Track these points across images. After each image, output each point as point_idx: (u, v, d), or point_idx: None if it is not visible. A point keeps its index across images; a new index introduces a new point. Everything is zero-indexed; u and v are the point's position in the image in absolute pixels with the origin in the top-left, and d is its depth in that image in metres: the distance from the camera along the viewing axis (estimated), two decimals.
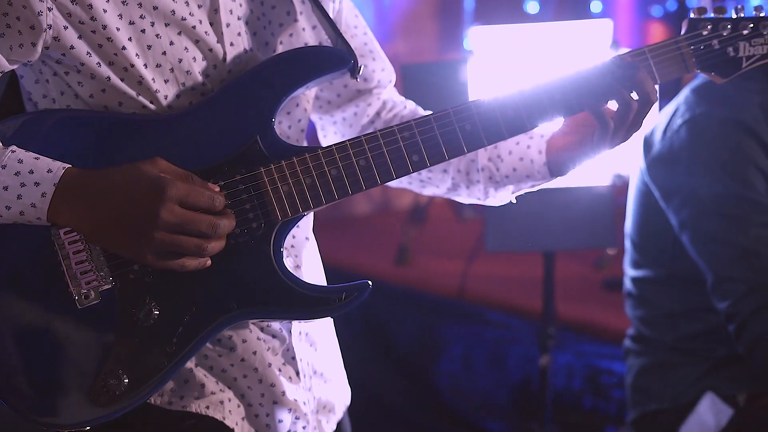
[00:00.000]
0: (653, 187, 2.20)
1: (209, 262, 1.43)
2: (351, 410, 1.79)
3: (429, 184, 1.76)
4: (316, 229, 1.71)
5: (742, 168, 2.05)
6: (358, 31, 1.75)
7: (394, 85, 1.83)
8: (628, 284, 2.40)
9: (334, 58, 1.58)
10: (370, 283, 1.53)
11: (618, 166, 2.79)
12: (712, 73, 1.66)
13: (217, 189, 1.44)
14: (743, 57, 1.67)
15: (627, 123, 1.56)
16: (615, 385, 3.34)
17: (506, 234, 2.79)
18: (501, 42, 2.79)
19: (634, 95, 1.57)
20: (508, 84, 1.62)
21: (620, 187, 2.73)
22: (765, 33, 1.66)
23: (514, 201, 1.77)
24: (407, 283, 4.11)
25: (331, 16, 1.62)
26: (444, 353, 3.86)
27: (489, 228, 2.79)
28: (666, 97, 2.33)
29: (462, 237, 4.32)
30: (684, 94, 2.19)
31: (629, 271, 2.39)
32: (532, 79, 1.61)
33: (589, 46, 2.75)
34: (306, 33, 1.64)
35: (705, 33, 1.65)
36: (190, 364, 1.54)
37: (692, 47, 1.63)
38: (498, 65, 2.74)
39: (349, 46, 1.58)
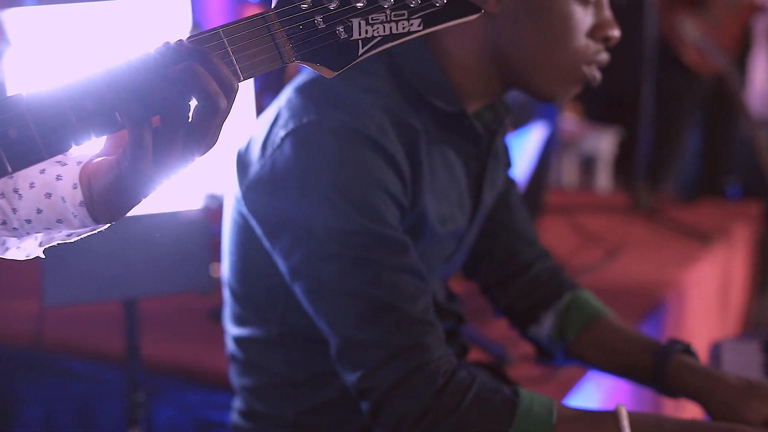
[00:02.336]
0: (254, 222, 1.62)
1: None
2: None
3: None
4: None
5: (368, 194, 1.52)
6: None
7: None
8: (230, 345, 1.81)
9: None
10: None
11: (211, 183, 2.23)
12: (318, 64, 1.15)
13: None
14: (359, 40, 1.18)
15: (178, 137, 1.03)
16: None
17: (69, 282, 2.11)
18: (48, 26, 2.12)
19: (194, 103, 1.04)
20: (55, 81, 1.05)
21: (216, 210, 2.17)
22: (386, 6, 1.18)
23: (43, 256, 1.20)
24: None
25: None
26: (21, 416, 3.14)
27: (46, 274, 2.10)
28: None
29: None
30: (286, 94, 1.64)
31: (231, 329, 1.79)
32: (56, 80, 1.04)
33: (161, 29, 2.15)
34: None
35: (304, 7, 1.14)
36: None
37: (287, 27, 1.12)
38: (47, 56, 2.08)
39: None
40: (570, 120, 6.45)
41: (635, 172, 4.74)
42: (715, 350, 2.10)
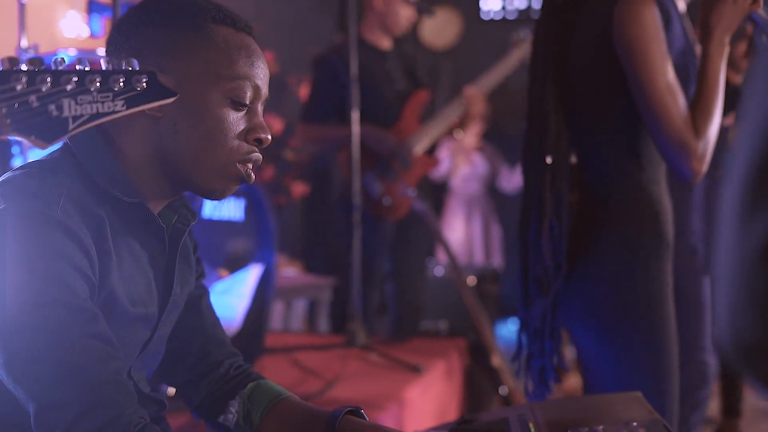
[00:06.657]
0: None
1: None
2: None
3: None
4: None
5: (56, 269, 1.67)
6: None
7: None
8: None
9: None
10: None
11: None
12: (33, 137, 1.33)
13: None
14: (69, 117, 1.37)
15: None
16: None
17: None
18: None
19: None
20: None
21: None
22: (92, 89, 1.39)
23: None
24: None
25: None
26: None
27: None
28: None
29: None
30: None
31: None
32: None
33: None
34: None
35: (19, 87, 1.32)
36: None
37: (3, 104, 1.29)
38: None
39: None
40: (293, 271, 6.86)
41: (349, 314, 5.03)
42: None
